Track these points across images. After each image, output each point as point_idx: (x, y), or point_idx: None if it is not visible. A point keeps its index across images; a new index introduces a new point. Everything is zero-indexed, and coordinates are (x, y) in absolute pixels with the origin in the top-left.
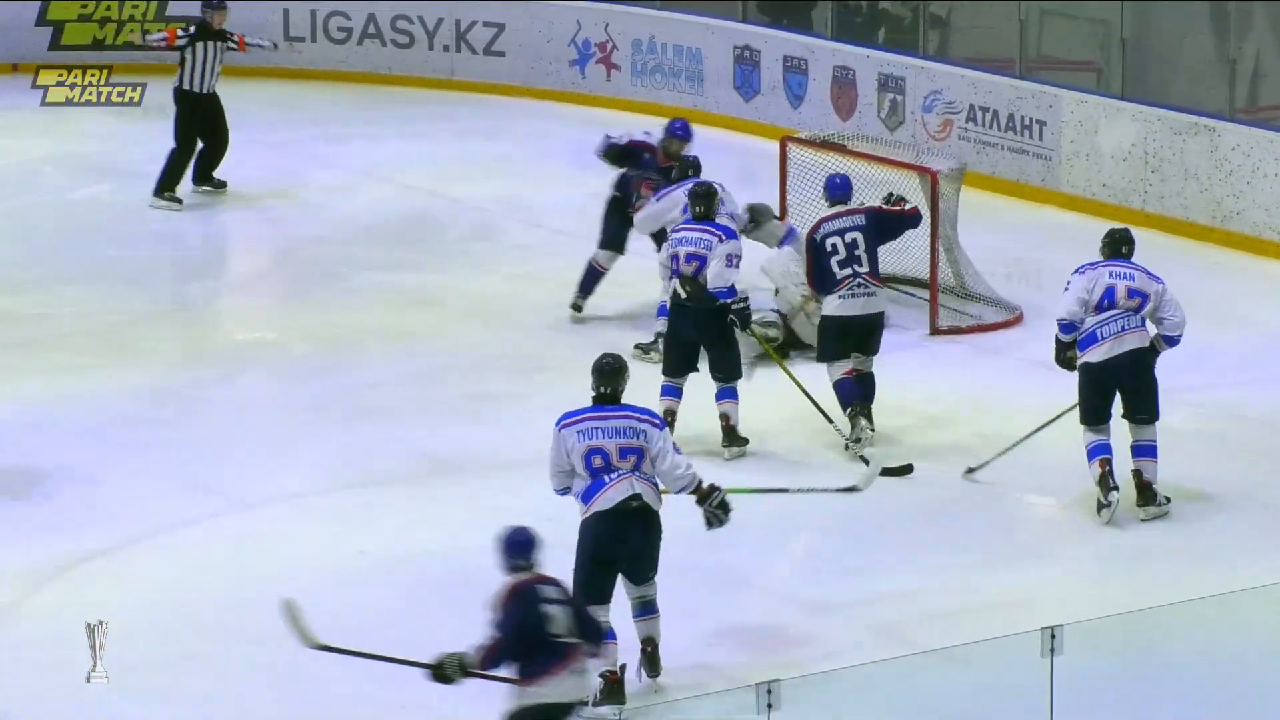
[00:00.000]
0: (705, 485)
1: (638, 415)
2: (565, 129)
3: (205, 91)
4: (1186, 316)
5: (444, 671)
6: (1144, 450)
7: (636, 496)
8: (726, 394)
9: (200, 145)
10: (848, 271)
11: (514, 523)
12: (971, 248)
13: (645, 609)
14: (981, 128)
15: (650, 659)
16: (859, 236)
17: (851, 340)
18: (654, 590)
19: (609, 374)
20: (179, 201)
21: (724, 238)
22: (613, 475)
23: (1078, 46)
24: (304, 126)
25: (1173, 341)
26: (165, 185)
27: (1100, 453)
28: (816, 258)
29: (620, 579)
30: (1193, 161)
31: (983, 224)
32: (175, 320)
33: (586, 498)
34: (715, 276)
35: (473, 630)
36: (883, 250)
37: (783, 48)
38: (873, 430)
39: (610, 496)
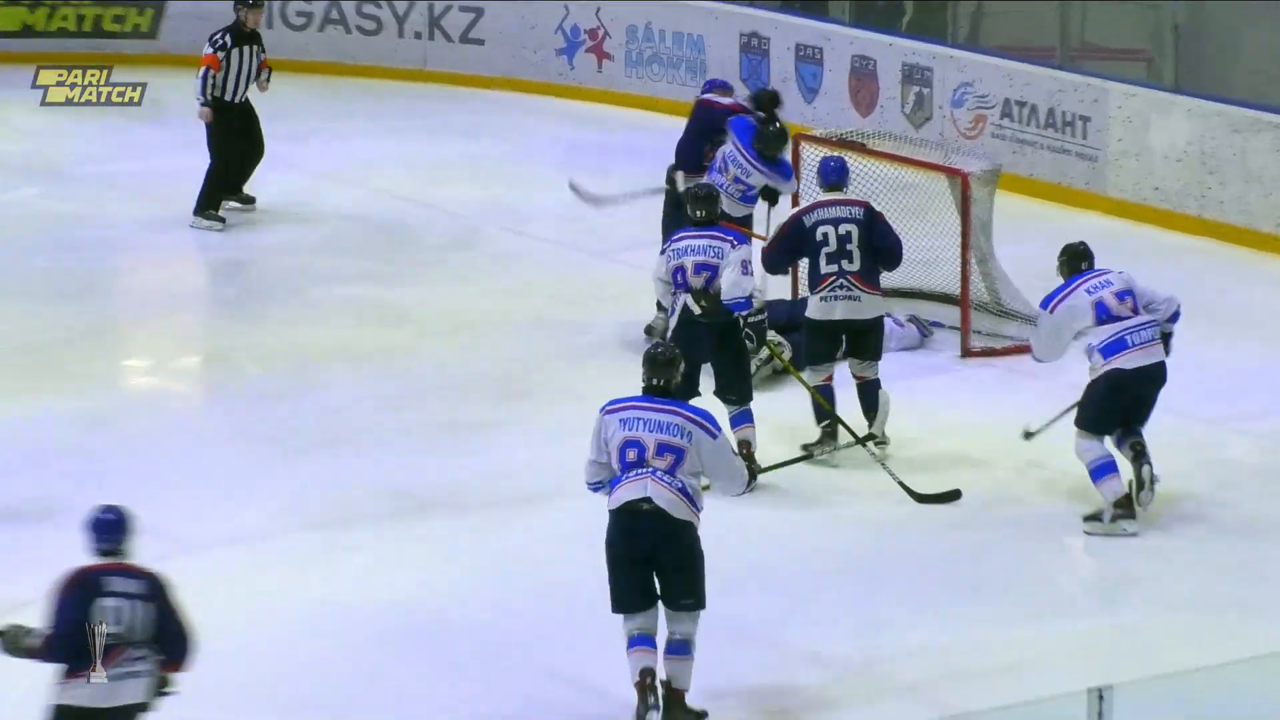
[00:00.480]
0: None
1: (689, 415)
2: (552, 126)
3: (237, 100)
4: (1242, 333)
5: (3, 639)
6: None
7: (648, 500)
8: (743, 419)
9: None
10: (833, 268)
11: (468, 561)
12: (1007, 259)
13: (672, 647)
14: (1018, 124)
15: (667, 705)
16: (854, 230)
17: (837, 344)
18: (690, 627)
19: (661, 364)
20: (221, 221)
21: (736, 243)
22: (632, 473)
23: (1126, 33)
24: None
25: (1176, 319)
26: (207, 204)
27: (1114, 468)
28: (799, 244)
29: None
30: (1256, 162)
31: (1020, 232)
32: (114, 339)
33: (611, 493)
34: (731, 286)
35: (442, 691)
36: (909, 261)
37: (795, 35)
38: (886, 443)
39: (620, 495)
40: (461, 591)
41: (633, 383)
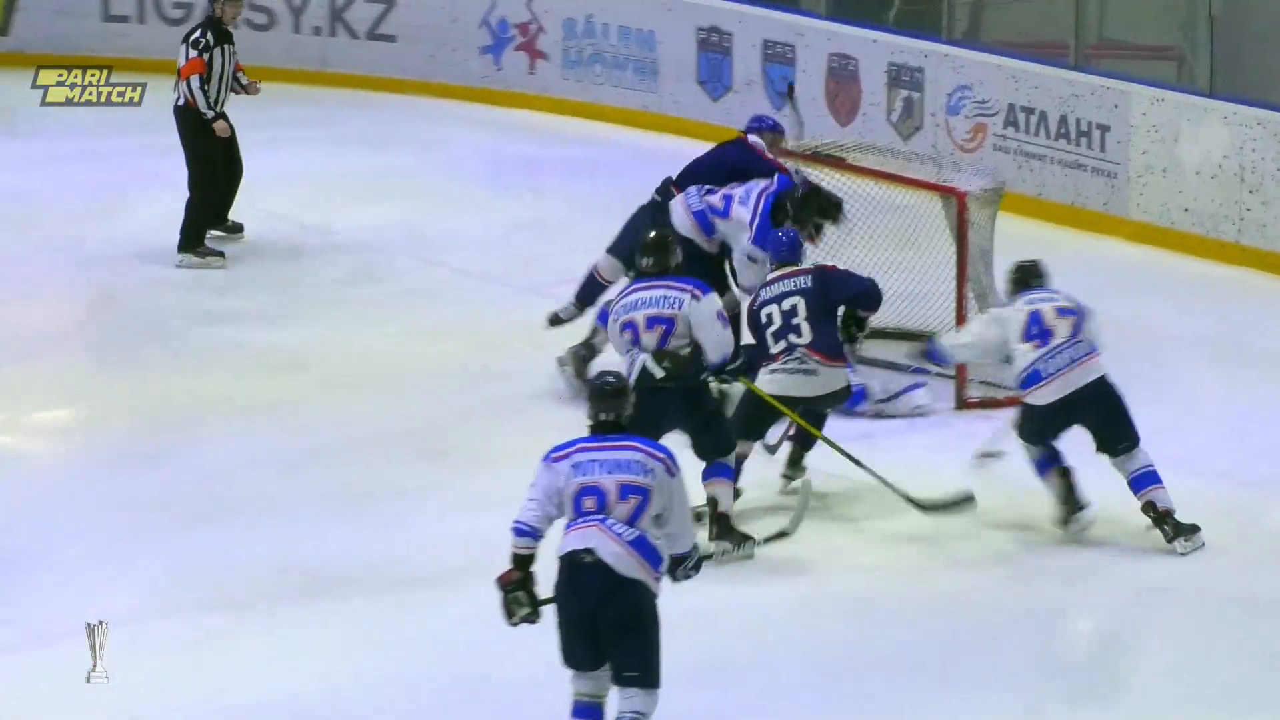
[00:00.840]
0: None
1: (648, 450)
2: (475, 136)
3: (220, 109)
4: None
5: None
6: (1145, 479)
7: (589, 551)
8: (717, 471)
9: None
10: (782, 345)
11: (377, 651)
12: None
13: None
14: (1025, 135)
15: None
16: (800, 302)
17: (772, 419)
18: (638, 705)
19: (609, 396)
20: (220, 256)
21: (698, 292)
22: (581, 520)
23: (1152, 27)
24: (129, 133)
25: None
26: (196, 238)
27: (1054, 462)
28: (756, 334)
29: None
30: None
31: None
32: None
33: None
34: (715, 348)
35: None
36: (895, 296)
37: (762, 30)
38: (800, 476)
39: (565, 543)
40: (370, 686)
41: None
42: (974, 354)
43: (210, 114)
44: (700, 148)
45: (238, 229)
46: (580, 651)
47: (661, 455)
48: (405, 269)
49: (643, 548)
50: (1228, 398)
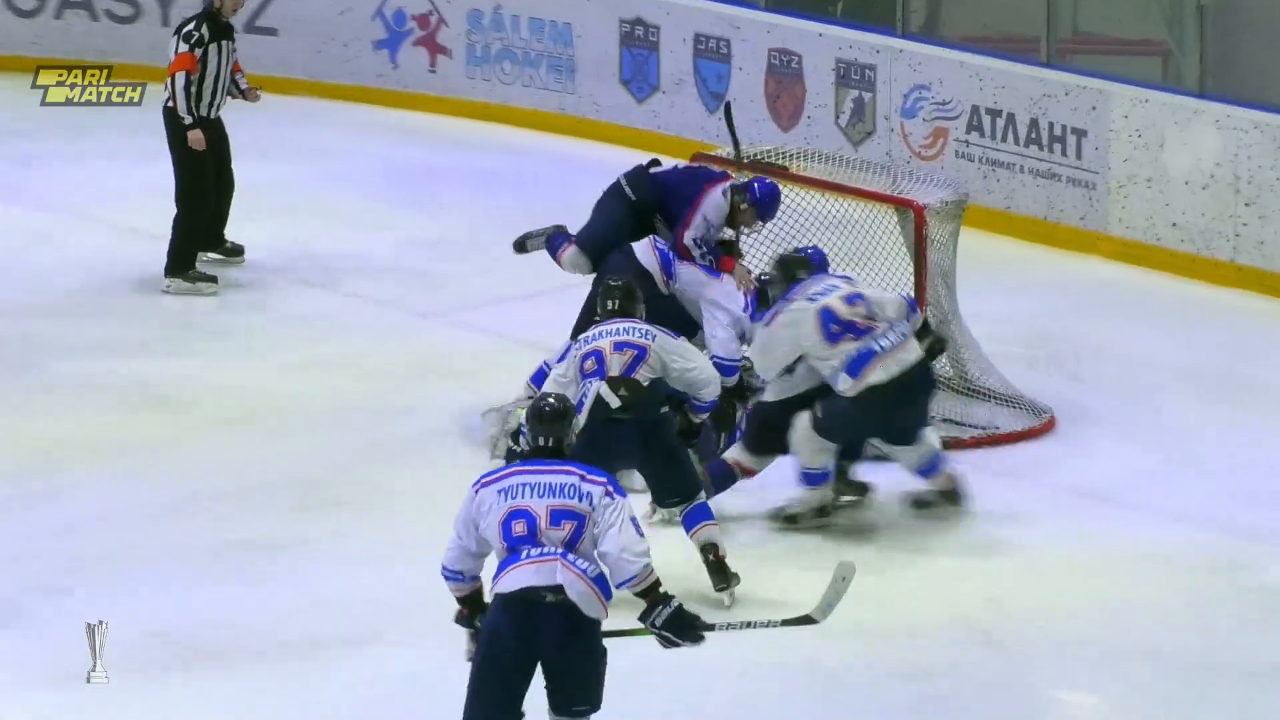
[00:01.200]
0: (658, 588)
1: (583, 473)
2: (368, 143)
3: (213, 114)
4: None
5: None
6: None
7: (557, 589)
8: (699, 515)
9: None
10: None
11: None
12: (977, 319)
13: None
14: (991, 140)
15: None
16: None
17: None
18: None
19: (550, 419)
20: (212, 281)
21: (668, 334)
22: (534, 551)
23: (1134, 19)
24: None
25: (915, 311)
26: (182, 260)
27: (825, 480)
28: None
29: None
30: None
31: (995, 284)
32: None
33: (496, 576)
34: (708, 387)
35: None
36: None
37: (693, 23)
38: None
39: (518, 578)
40: None
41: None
42: (777, 368)
43: (188, 119)
44: (619, 154)
45: (237, 252)
46: (497, 698)
47: (600, 479)
48: (292, 294)
49: (602, 584)
50: (1222, 438)
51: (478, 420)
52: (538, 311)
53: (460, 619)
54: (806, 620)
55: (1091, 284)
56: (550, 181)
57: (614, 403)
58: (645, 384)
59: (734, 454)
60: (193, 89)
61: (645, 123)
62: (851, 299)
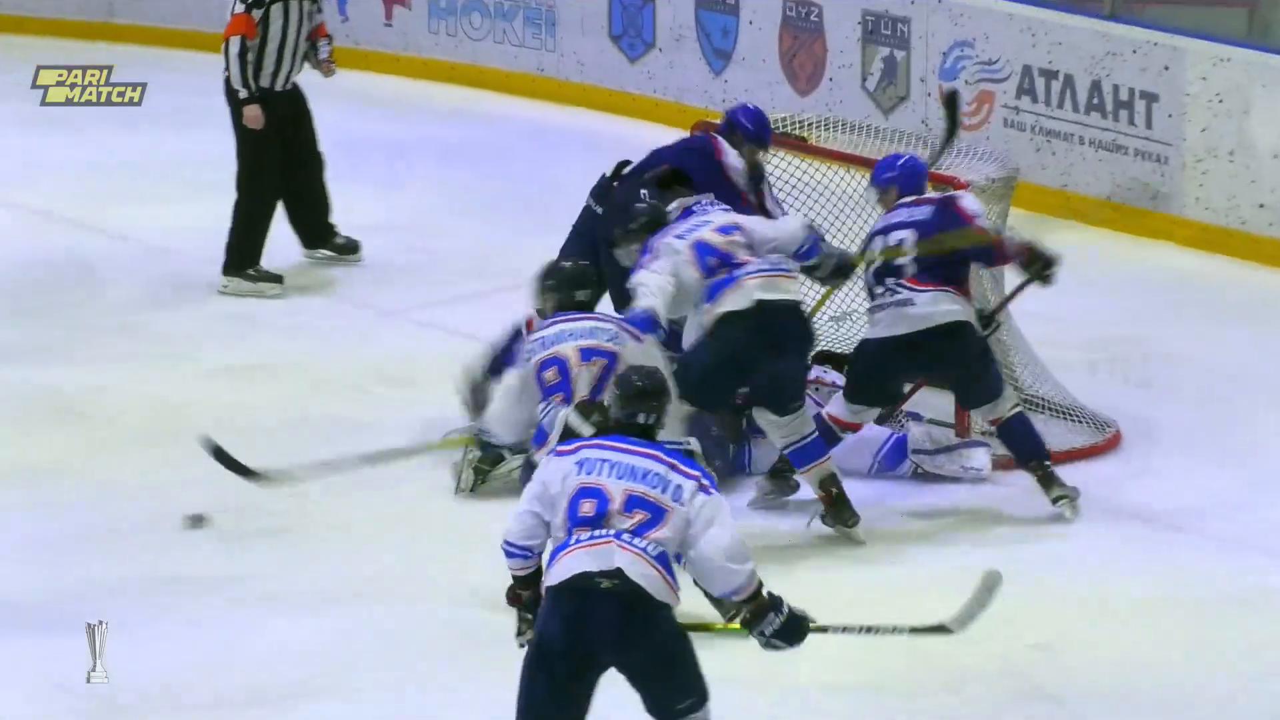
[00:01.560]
0: (767, 594)
1: (674, 462)
2: (314, 109)
3: (283, 85)
4: None
5: None
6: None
7: (616, 573)
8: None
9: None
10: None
11: None
12: (1030, 319)
13: None
14: (1046, 106)
15: None
16: (908, 234)
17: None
18: None
19: (646, 396)
20: (276, 281)
21: (639, 333)
22: (585, 535)
23: None
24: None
25: (814, 253)
26: (241, 256)
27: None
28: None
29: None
30: None
31: None
32: None
33: (549, 566)
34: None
35: None
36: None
37: None
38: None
39: (570, 565)
40: None
41: (457, 518)
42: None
43: (243, 92)
44: (608, 122)
45: (352, 249)
46: (548, 708)
47: (694, 472)
48: (213, 289)
49: (665, 563)
50: None
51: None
52: (513, 310)
53: (514, 600)
54: (941, 630)
55: (1163, 276)
56: (527, 156)
57: (586, 431)
58: None
59: (831, 409)
60: (249, 57)
61: (638, 86)
62: (727, 229)
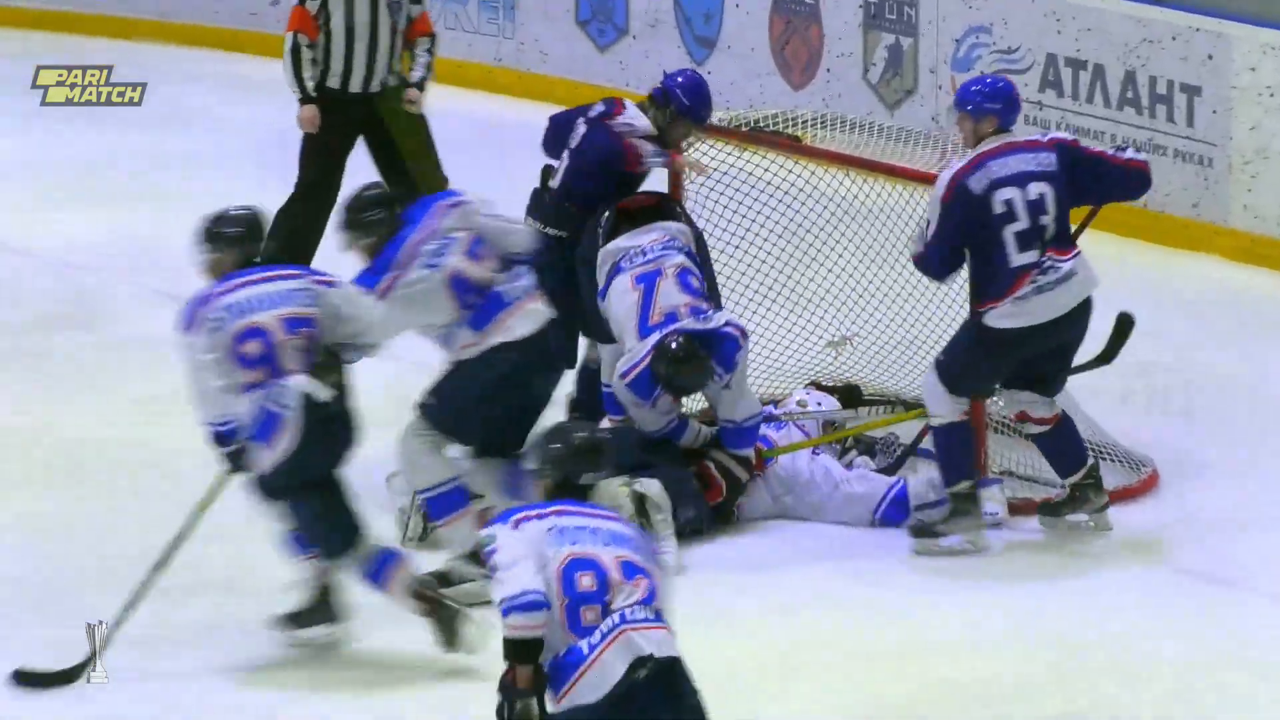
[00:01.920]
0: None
1: (634, 529)
2: (239, 106)
3: (355, 89)
4: None
5: None
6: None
7: (645, 661)
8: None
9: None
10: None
11: None
12: None
13: None
14: (1073, 101)
15: None
16: (1047, 190)
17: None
18: None
19: (588, 452)
20: None
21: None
22: (603, 635)
23: None
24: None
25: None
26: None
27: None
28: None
29: None
30: None
31: None
32: None
33: (559, 675)
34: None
35: None
36: (880, 342)
37: None
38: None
39: (601, 676)
40: None
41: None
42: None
43: (298, 93)
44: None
45: None
46: None
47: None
48: (131, 308)
49: (665, 618)
50: None
51: (385, 484)
52: None
53: (516, 683)
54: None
55: (1207, 292)
56: (484, 156)
57: (324, 396)
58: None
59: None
60: (312, 55)
61: (609, 78)
62: (476, 247)
